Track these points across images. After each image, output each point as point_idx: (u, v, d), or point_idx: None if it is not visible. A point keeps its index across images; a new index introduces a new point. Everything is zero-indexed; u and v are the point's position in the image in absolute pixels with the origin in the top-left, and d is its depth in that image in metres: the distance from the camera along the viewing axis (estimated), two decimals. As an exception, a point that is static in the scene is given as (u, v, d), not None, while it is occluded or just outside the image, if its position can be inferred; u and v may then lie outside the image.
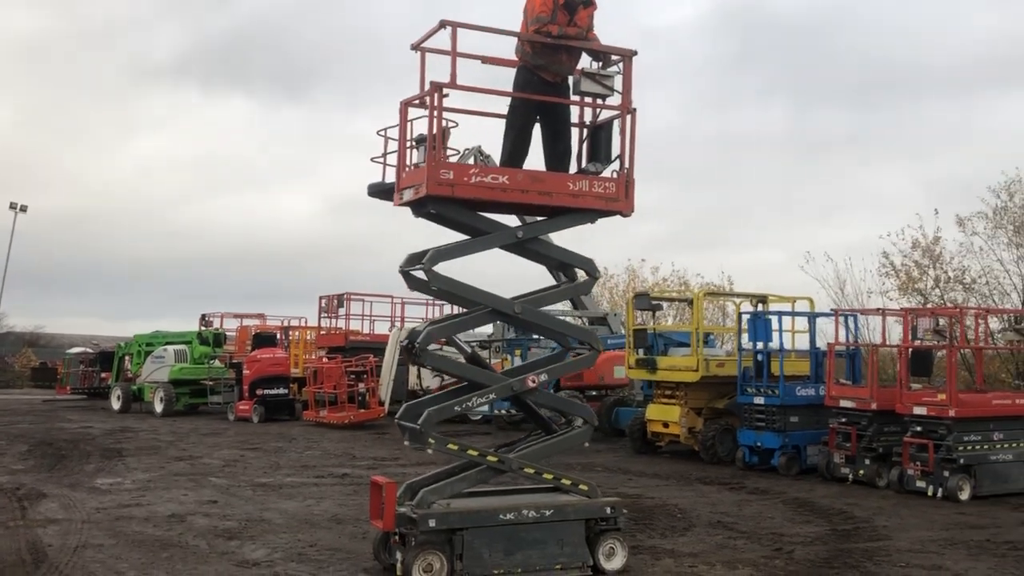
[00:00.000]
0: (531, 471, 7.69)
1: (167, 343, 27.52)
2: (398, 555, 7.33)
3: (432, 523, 7.14)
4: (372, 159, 8.75)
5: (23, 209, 51.83)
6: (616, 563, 7.71)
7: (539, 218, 8.12)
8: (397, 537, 7.46)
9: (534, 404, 8.05)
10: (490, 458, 7.55)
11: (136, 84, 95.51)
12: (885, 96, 64.24)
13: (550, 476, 7.76)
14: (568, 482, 7.80)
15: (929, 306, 21.81)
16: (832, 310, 15.54)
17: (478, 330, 25.80)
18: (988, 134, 51.42)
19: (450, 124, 7.78)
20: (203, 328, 29.89)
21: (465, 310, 8.06)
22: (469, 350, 8.18)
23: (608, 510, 7.76)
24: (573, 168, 7.99)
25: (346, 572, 7.74)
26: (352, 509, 10.56)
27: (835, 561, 8.31)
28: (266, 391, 23.75)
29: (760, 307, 16.20)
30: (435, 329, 7.71)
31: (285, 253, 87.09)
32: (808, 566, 8.13)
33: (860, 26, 64.57)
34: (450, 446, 7.43)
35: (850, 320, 15.21)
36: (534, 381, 7.66)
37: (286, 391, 24.34)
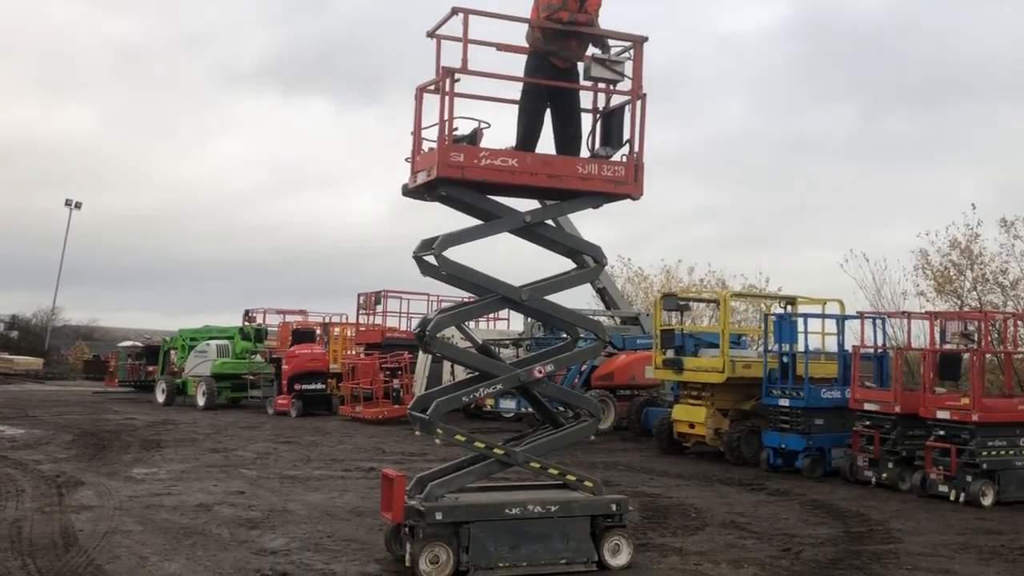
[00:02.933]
0: (536, 465, 7.87)
1: (210, 338, 28.20)
2: (407, 547, 7.58)
3: (439, 516, 7.37)
4: (406, 159, 8.91)
5: (78, 206, 53.62)
6: (621, 559, 7.85)
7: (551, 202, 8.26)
8: (407, 529, 7.70)
9: (541, 396, 8.22)
10: (496, 451, 7.75)
11: (223, 88, 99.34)
12: (955, 100, 63.23)
13: (555, 471, 7.94)
14: (573, 478, 7.97)
15: (956, 309, 21.48)
16: (858, 312, 15.45)
17: (512, 328, 26.14)
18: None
19: (482, 125, 7.94)
20: (246, 323, 30.61)
21: (476, 297, 8.25)
22: (480, 340, 8.38)
23: (613, 507, 7.90)
24: (584, 153, 8.11)
25: (359, 562, 8.01)
26: (373, 502, 10.79)
27: (841, 563, 8.36)
28: (304, 386, 24.26)
29: (789, 308, 16.19)
30: (444, 317, 7.92)
31: (345, 252, 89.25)
32: (813, 567, 8.20)
33: (935, 31, 63.73)
34: (457, 437, 7.65)
35: (878, 322, 15.13)
36: (540, 371, 7.83)
37: (323, 386, 24.84)
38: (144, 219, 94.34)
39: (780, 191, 67.19)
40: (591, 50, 8.03)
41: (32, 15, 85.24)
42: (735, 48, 77.91)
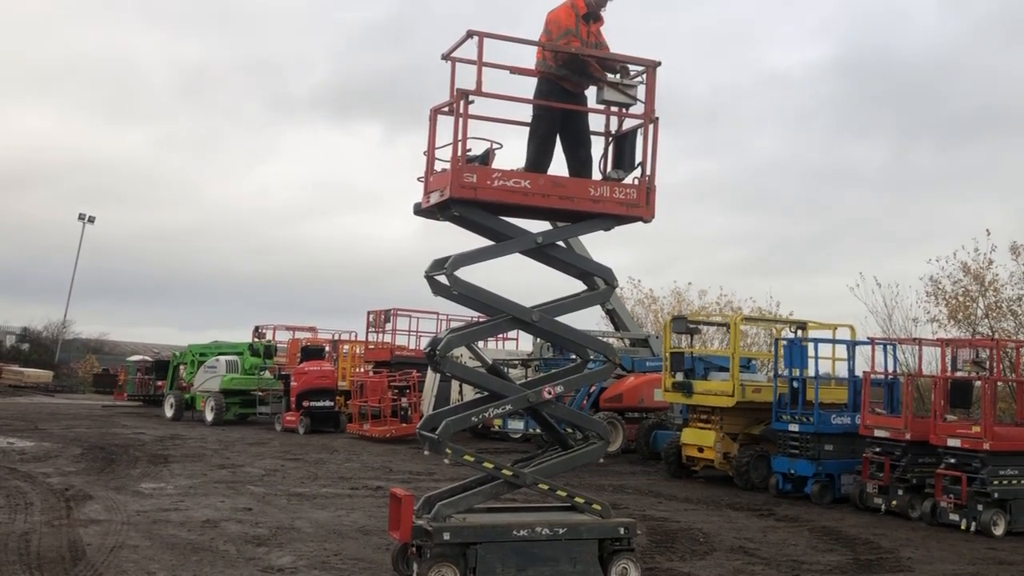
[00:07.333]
0: (545, 487, 7.85)
1: (220, 353, 28.25)
2: (414, 566, 7.56)
3: (446, 536, 7.34)
4: (418, 179, 8.93)
5: (91, 220, 54.08)
6: (628, 583, 7.80)
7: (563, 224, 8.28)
8: (414, 549, 7.69)
9: (550, 417, 8.21)
10: (505, 472, 7.73)
11: (278, 112, 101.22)
12: (988, 136, 63.53)
13: (563, 493, 7.91)
14: (581, 500, 7.94)
15: (968, 337, 21.39)
16: (868, 338, 15.40)
17: (520, 347, 26.11)
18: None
19: (494, 145, 7.99)
20: (255, 340, 30.67)
21: (487, 318, 8.27)
22: (490, 361, 8.38)
23: (622, 530, 7.86)
24: (596, 176, 8.12)
25: (365, 581, 7.99)
26: (380, 521, 10.79)
27: (851, 590, 8.31)
28: (312, 403, 24.25)
29: (799, 333, 16.15)
30: (455, 337, 7.93)
31: (368, 270, 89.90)
32: (822, 594, 8.15)
33: (973, 70, 64.27)
34: (466, 457, 7.65)
35: (889, 348, 15.07)
36: (550, 392, 7.83)
37: (332, 403, 24.83)
38: (176, 235, 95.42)
39: (808, 220, 67.79)
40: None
41: (102, 42, 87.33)
42: (779, 84, 79.07)
